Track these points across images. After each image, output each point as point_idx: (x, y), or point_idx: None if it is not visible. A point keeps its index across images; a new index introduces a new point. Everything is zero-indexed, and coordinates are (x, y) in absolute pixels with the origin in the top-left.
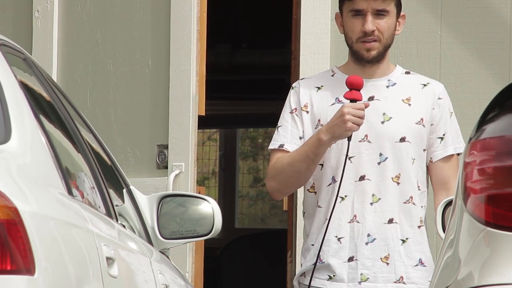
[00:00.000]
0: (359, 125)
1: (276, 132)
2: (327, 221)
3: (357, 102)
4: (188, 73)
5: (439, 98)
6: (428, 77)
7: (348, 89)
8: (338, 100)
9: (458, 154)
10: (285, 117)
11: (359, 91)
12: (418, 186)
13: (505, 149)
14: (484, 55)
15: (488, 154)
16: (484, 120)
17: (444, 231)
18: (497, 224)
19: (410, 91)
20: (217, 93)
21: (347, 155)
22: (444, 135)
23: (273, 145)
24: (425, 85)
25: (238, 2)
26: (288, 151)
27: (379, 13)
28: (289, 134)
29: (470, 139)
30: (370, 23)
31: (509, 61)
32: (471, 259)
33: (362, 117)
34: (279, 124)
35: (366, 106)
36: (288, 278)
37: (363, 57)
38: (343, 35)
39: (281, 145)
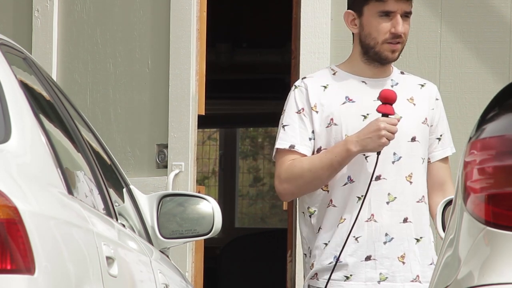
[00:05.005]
0: (390, 140)
1: (282, 131)
2: (347, 220)
3: (389, 116)
4: (188, 73)
5: (437, 99)
6: (420, 77)
7: (381, 103)
8: (349, 99)
9: None
10: (291, 116)
11: (392, 105)
12: (426, 186)
13: (505, 148)
14: (484, 54)
15: (488, 154)
16: (484, 119)
17: (444, 231)
18: (497, 223)
19: (412, 91)
20: (217, 92)
21: (374, 172)
22: (441, 135)
23: (281, 144)
24: (422, 85)
25: (238, 2)
26: (300, 153)
27: (406, 15)
28: (298, 135)
29: (470, 138)
30: (402, 25)
31: (509, 60)
32: (471, 258)
33: (395, 133)
34: (284, 123)
35: (398, 121)
36: (288, 277)
37: (387, 58)
38: (357, 34)
39: (292, 146)
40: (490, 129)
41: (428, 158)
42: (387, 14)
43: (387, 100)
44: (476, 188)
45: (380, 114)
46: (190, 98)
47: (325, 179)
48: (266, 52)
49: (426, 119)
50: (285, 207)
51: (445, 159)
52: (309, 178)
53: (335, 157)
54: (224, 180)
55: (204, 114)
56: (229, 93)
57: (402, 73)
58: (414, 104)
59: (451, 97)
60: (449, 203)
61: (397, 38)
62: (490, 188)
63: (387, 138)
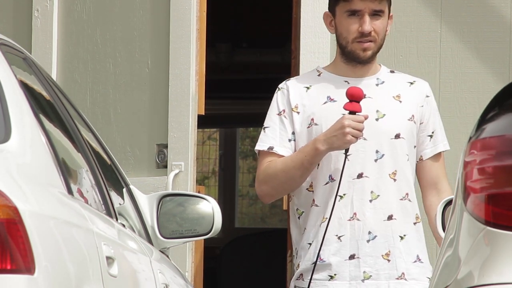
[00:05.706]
0: (357, 137)
1: (262, 132)
2: (327, 220)
3: (357, 114)
4: (187, 73)
5: (427, 96)
6: (412, 76)
7: (348, 100)
8: (330, 98)
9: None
10: (272, 118)
11: (359, 102)
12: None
13: (505, 148)
14: (484, 54)
15: (488, 154)
16: (484, 119)
17: (444, 231)
18: (497, 223)
19: (399, 88)
20: (217, 92)
21: (344, 166)
22: (433, 132)
23: (261, 146)
24: (412, 83)
25: (238, 2)
26: (278, 154)
27: (376, 14)
28: (278, 137)
29: (470, 138)
30: (368, 24)
31: (509, 60)
32: (471, 258)
33: (361, 130)
34: (265, 125)
35: (366, 118)
36: (288, 277)
37: (359, 57)
38: (334, 34)
39: (270, 148)
40: (490, 129)
41: (421, 156)
42: (356, 14)
43: (353, 97)
44: (476, 188)
45: (347, 112)
46: (190, 98)
47: (298, 179)
48: (266, 52)
49: (413, 116)
50: (285, 207)
51: (437, 156)
52: (283, 179)
53: (305, 156)
54: (224, 180)
55: (204, 114)
56: (229, 93)
57: (392, 71)
58: (400, 102)
59: (451, 97)
60: (449, 203)
61: (366, 37)
62: (490, 188)
63: (353, 136)
